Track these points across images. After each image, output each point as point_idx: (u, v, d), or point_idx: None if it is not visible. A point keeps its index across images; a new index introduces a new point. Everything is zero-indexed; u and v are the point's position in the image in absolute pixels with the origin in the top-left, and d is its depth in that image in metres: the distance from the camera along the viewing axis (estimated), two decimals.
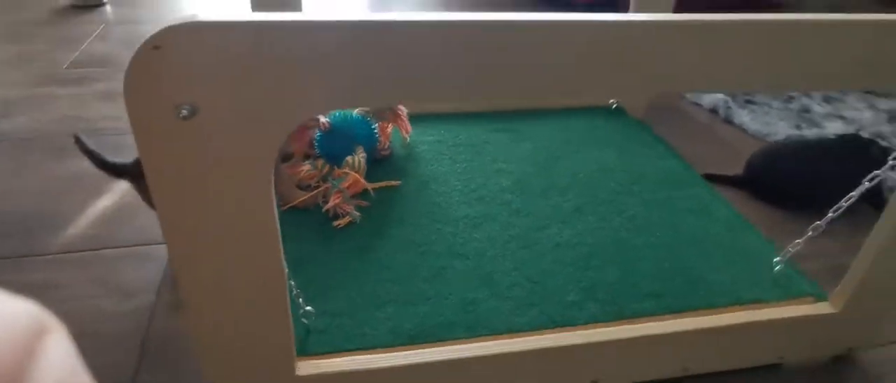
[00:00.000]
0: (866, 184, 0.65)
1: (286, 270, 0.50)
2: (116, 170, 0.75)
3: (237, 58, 0.39)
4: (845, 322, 0.68)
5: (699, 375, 0.68)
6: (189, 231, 0.45)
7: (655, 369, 0.67)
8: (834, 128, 1.29)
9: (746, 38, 0.46)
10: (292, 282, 0.62)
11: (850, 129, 1.28)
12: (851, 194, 0.66)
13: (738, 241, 0.80)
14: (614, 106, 1.19)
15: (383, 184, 0.90)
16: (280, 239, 0.47)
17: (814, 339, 0.69)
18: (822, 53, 0.48)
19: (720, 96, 1.40)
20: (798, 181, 0.98)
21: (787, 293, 0.70)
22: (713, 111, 1.39)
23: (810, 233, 0.70)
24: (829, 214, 0.67)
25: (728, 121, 1.35)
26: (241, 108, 0.41)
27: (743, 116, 1.34)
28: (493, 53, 0.43)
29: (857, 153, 0.97)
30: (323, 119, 0.88)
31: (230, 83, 0.40)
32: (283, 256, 0.49)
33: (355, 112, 0.91)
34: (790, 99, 1.44)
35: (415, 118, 1.05)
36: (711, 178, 1.02)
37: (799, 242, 0.71)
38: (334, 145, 0.89)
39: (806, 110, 1.38)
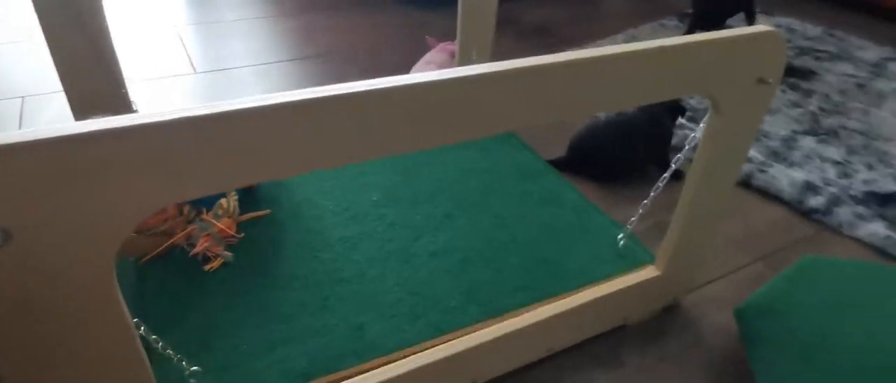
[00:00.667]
0: (673, 167, 0.79)
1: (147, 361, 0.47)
2: None
3: (46, 174, 0.35)
4: (669, 278, 0.81)
5: (561, 351, 0.77)
6: (26, 357, 0.41)
7: (524, 356, 0.74)
8: None
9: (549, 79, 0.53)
10: (170, 350, 0.59)
11: None
12: (664, 175, 0.79)
13: (586, 224, 0.91)
14: None
15: (252, 215, 0.87)
16: (137, 339, 0.45)
17: (648, 299, 0.82)
18: (619, 81, 0.57)
19: None
20: (611, 157, 1.11)
21: (631, 264, 0.82)
22: None
23: (641, 211, 0.82)
24: (651, 194, 0.80)
25: None
26: (65, 223, 0.37)
27: None
28: (323, 126, 0.43)
29: (654, 124, 1.13)
30: None
31: (46, 200, 0.36)
32: (143, 356, 0.46)
33: None
34: None
35: None
36: (550, 164, 1.13)
37: (634, 219, 0.83)
38: None
39: None
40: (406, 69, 1.50)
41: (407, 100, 0.46)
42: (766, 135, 1.30)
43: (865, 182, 1.15)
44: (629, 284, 0.77)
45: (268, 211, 0.89)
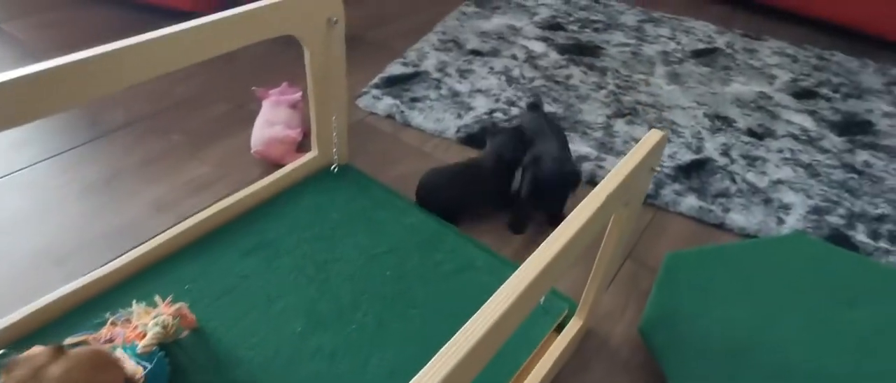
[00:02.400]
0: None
1: None
2: None
3: None
4: (587, 320, 0.94)
5: None
6: None
7: None
8: (481, 105, 1.55)
9: None
10: None
11: (491, 102, 1.56)
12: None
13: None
14: (335, 168, 1.19)
15: None
16: None
17: (577, 342, 0.94)
18: None
19: (390, 101, 1.52)
20: (461, 205, 1.16)
21: (555, 317, 0.92)
22: (390, 117, 1.50)
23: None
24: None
25: (406, 124, 1.49)
26: None
27: (416, 117, 1.48)
28: None
29: (503, 170, 1.18)
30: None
31: None
32: None
33: (139, 348, 0.71)
34: (439, 85, 1.64)
35: (150, 283, 0.87)
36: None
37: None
38: None
39: (456, 94, 1.60)
40: (244, 121, 1.34)
41: None
42: (589, 127, 1.49)
43: (670, 157, 1.41)
44: (566, 342, 0.88)
45: None
